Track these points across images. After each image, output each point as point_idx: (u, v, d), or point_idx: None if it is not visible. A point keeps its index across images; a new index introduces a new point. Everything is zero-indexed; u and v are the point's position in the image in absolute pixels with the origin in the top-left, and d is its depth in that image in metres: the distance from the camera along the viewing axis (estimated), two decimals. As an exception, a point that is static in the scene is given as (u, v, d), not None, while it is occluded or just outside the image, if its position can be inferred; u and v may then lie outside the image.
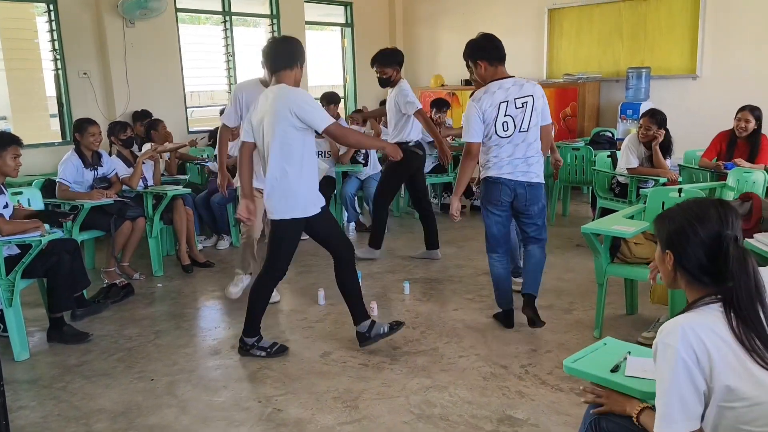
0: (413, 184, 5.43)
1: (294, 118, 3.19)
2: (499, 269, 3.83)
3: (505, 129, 3.57)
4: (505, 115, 3.56)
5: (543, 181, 3.74)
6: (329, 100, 6.65)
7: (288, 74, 3.34)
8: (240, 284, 4.47)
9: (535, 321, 3.72)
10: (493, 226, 3.75)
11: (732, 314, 1.48)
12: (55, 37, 6.70)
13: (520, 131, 3.58)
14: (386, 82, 5.13)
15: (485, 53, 3.63)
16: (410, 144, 5.10)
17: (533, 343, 3.61)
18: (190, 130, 7.82)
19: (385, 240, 6.00)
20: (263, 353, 3.54)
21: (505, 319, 3.89)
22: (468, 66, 3.97)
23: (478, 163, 3.80)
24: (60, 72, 6.78)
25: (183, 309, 4.42)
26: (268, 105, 3.27)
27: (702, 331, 1.46)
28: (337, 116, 6.57)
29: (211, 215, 5.91)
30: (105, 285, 4.66)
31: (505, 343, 3.63)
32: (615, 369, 1.90)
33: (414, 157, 5.14)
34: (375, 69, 5.13)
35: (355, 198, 6.46)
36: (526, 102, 3.58)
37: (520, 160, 3.62)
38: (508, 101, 3.55)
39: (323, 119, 3.26)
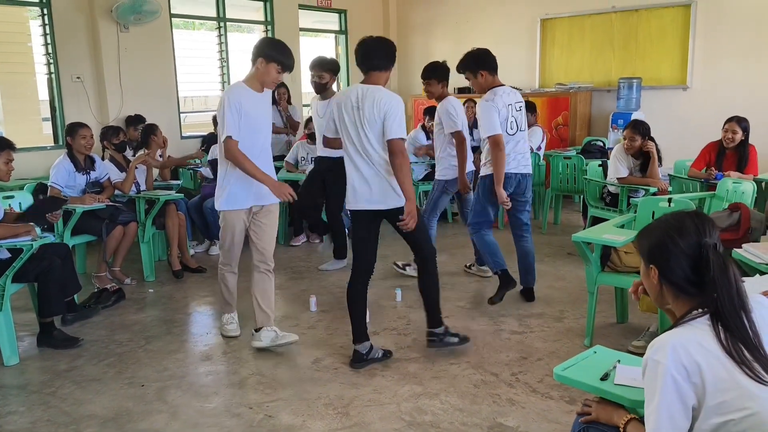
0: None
1: (381, 117, 3.25)
2: (492, 237, 4.45)
3: (512, 128, 4.20)
4: (511, 116, 4.17)
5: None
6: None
7: (381, 75, 3.39)
8: (234, 320, 4.01)
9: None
10: (493, 211, 4.42)
11: (719, 327, 1.50)
12: (49, 41, 6.69)
13: (520, 130, 4.26)
14: (322, 88, 5.11)
15: (487, 64, 4.18)
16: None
17: (524, 351, 3.63)
18: (183, 135, 7.82)
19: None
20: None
21: (507, 279, 4.36)
22: (432, 80, 4.66)
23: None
24: (53, 76, 6.77)
25: (174, 314, 4.41)
26: (366, 107, 3.28)
27: (692, 347, 1.47)
28: None
29: (204, 220, 5.90)
30: (96, 290, 4.65)
31: (496, 350, 3.65)
32: (604, 377, 1.92)
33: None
34: (313, 72, 5.05)
35: None
36: (521, 106, 4.21)
37: (521, 155, 4.27)
38: (511, 104, 4.13)
39: (399, 131, 3.25)
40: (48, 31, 6.67)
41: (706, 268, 1.55)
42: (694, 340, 1.49)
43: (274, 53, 3.59)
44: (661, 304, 1.70)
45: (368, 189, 3.36)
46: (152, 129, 6.02)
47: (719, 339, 1.48)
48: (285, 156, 6.51)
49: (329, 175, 5.04)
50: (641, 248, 1.70)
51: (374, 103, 3.25)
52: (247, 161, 3.55)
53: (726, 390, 1.44)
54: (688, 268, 1.58)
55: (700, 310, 1.55)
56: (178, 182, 6.12)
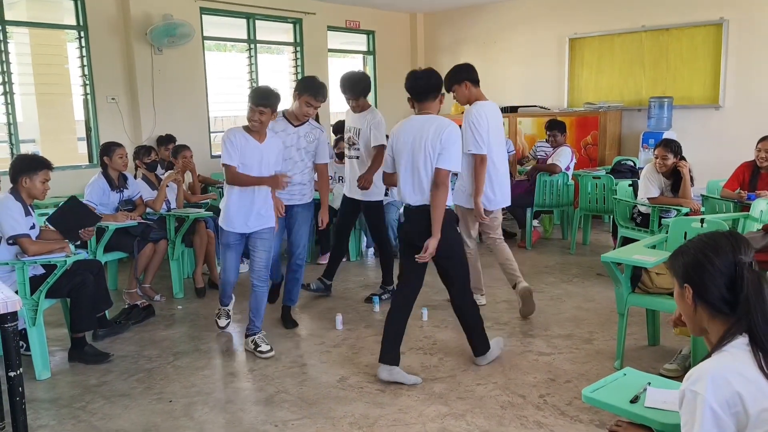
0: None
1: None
2: None
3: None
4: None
5: None
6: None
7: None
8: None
9: None
10: None
11: (759, 352, 1.46)
12: (85, 62, 6.89)
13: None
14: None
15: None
16: None
17: (552, 373, 3.57)
18: (212, 154, 7.95)
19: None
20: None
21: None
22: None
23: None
24: (89, 96, 6.96)
25: (202, 331, 4.45)
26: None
27: (732, 377, 1.43)
28: None
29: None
30: (126, 306, 4.72)
31: (524, 372, 3.60)
32: (634, 400, 1.88)
33: None
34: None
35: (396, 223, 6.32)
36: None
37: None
38: None
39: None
40: (85, 54, 6.87)
41: (740, 286, 1.52)
42: (734, 370, 1.44)
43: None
44: (696, 326, 1.65)
45: None
46: (176, 151, 6.10)
47: (760, 366, 1.44)
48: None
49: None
50: (675, 268, 1.67)
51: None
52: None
53: (766, 421, 1.39)
54: (724, 287, 1.55)
55: (736, 332, 1.51)
56: (208, 201, 6.15)
